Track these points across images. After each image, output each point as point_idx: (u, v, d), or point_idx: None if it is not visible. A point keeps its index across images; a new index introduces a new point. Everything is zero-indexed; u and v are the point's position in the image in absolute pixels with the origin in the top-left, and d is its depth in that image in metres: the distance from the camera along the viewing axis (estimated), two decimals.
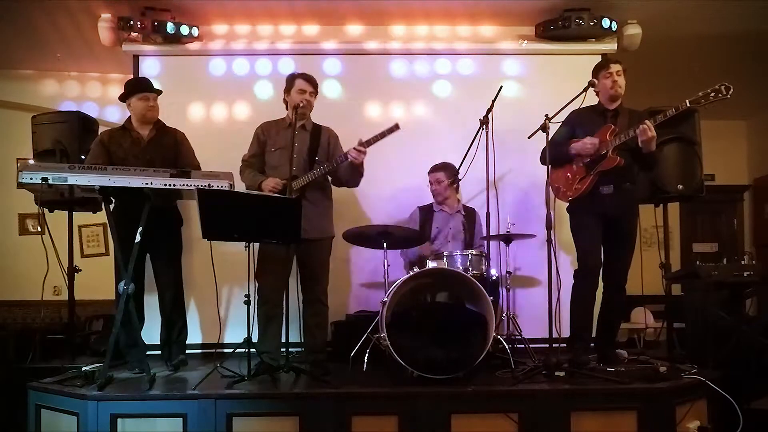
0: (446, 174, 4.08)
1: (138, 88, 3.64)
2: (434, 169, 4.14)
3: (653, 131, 3.27)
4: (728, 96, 3.19)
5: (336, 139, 3.71)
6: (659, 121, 3.31)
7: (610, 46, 4.67)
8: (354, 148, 3.39)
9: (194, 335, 4.34)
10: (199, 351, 4.34)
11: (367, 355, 3.49)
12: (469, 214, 4.23)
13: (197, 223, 3.04)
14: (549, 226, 3.27)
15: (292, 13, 4.61)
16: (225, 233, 3.20)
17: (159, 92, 3.69)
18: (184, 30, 4.52)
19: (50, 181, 3.06)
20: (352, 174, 3.56)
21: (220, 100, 4.70)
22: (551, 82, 4.62)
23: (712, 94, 3.22)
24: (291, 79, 3.60)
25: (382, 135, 3.40)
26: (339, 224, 3.79)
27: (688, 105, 3.26)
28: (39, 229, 4.86)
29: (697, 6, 4.48)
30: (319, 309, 3.58)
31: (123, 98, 3.65)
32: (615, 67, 3.51)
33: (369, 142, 3.40)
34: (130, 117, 3.65)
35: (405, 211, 4.37)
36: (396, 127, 3.42)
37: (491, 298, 3.27)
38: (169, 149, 3.63)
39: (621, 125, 3.45)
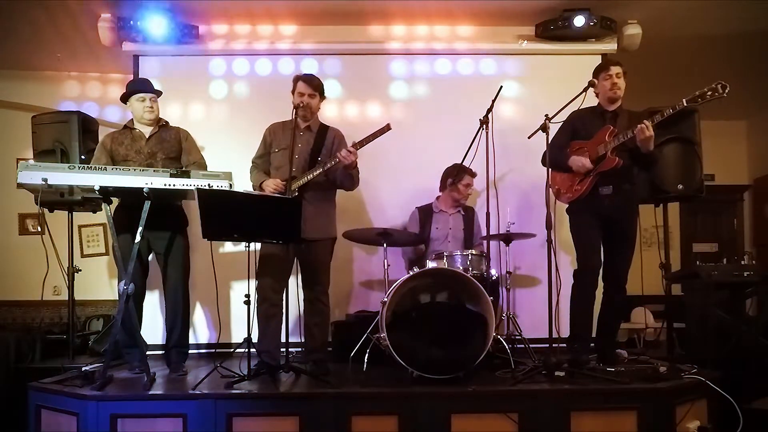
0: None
1: (135, 88, 3.64)
2: (470, 174, 4.12)
3: (651, 131, 3.27)
4: (724, 95, 3.17)
5: (341, 139, 3.66)
6: (657, 121, 3.30)
7: (610, 46, 4.67)
8: (344, 149, 3.37)
9: (194, 335, 4.35)
10: (199, 351, 4.34)
11: (367, 355, 3.49)
12: (468, 213, 4.24)
13: (197, 222, 3.03)
14: (549, 226, 3.27)
15: (292, 13, 4.61)
16: (225, 233, 3.21)
17: (158, 93, 3.69)
18: (184, 30, 4.52)
19: (50, 181, 3.06)
20: (345, 177, 3.52)
21: (220, 100, 4.70)
22: (551, 82, 4.61)
23: (709, 93, 3.20)
24: (294, 80, 3.62)
25: (374, 135, 3.37)
26: (342, 225, 3.78)
27: (685, 104, 3.25)
28: (39, 229, 4.86)
29: (697, 6, 4.47)
30: (319, 309, 3.58)
31: (123, 99, 3.66)
32: (615, 69, 3.51)
33: (361, 143, 3.38)
34: (133, 118, 3.67)
35: (405, 212, 4.37)
36: (387, 128, 3.39)
37: (491, 298, 3.27)
38: (172, 144, 3.62)
39: (620, 126, 3.44)
